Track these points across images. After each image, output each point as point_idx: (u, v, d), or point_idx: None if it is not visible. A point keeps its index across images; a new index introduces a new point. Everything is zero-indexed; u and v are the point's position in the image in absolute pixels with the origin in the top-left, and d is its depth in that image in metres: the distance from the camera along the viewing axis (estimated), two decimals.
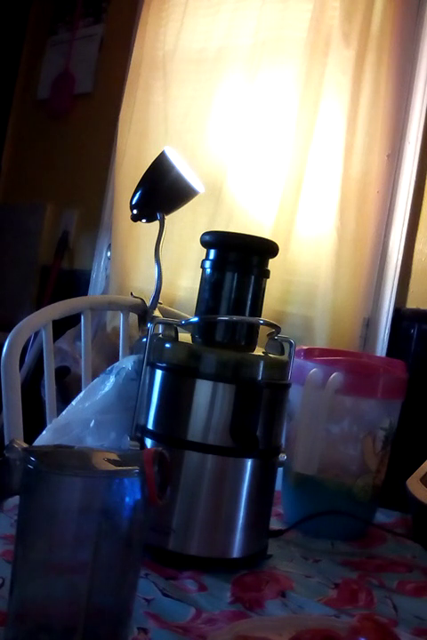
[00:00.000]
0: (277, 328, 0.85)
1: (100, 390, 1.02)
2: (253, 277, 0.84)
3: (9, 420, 1.21)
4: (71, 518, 0.56)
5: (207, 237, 0.86)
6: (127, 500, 0.56)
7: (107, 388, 1.01)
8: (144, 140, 2.15)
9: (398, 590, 0.81)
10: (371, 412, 0.99)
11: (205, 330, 0.84)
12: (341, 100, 1.72)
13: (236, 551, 0.80)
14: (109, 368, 1.05)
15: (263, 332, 0.86)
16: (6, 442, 0.69)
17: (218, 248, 0.85)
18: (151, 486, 0.56)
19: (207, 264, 0.85)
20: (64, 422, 1.01)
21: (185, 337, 0.83)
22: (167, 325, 0.82)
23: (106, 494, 0.57)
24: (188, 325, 0.85)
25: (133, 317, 1.50)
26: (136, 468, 0.56)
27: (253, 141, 1.88)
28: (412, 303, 1.69)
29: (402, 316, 1.69)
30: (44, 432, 1.04)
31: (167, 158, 1.30)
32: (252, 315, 0.84)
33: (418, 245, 1.69)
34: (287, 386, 0.85)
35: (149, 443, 0.81)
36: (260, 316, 0.85)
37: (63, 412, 1.04)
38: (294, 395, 0.90)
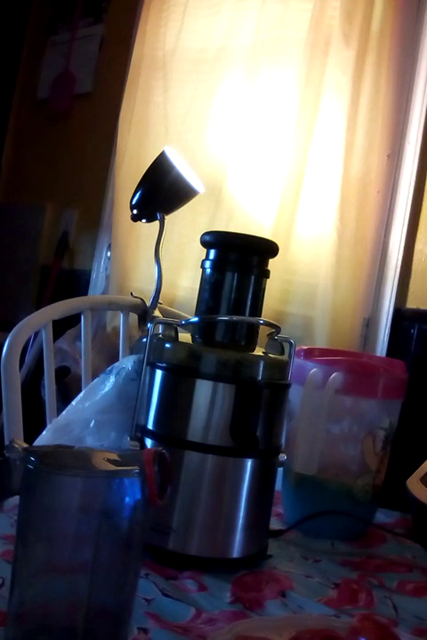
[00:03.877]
0: (277, 328, 0.85)
1: (100, 390, 1.02)
2: (253, 277, 0.84)
3: (9, 419, 1.21)
4: (71, 518, 0.56)
5: (207, 237, 0.86)
6: (127, 500, 0.56)
7: (107, 388, 1.01)
8: (144, 140, 2.15)
9: (398, 590, 0.81)
10: (371, 412, 0.99)
11: (205, 330, 0.84)
12: (341, 100, 1.72)
13: (236, 551, 0.80)
14: (109, 368, 1.05)
15: (263, 332, 0.86)
16: (6, 442, 0.69)
17: (218, 248, 0.85)
18: (151, 486, 0.56)
19: (207, 264, 0.85)
20: (64, 422, 1.01)
21: (185, 337, 0.83)
22: (167, 325, 0.82)
23: (106, 494, 0.57)
24: (188, 325, 0.85)
25: (133, 317, 1.49)
26: (136, 468, 0.56)
27: (253, 141, 1.88)
28: (412, 303, 1.69)
29: (402, 316, 1.69)
30: (44, 432, 1.04)
31: (167, 158, 1.30)
32: (252, 315, 0.84)
33: (418, 245, 1.69)
34: (287, 386, 0.85)
35: (149, 443, 0.81)
36: (260, 316, 0.85)
37: (63, 412, 1.04)
38: (294, 395, 0.90)
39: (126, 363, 1.02)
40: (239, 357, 0.81)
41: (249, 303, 0.84)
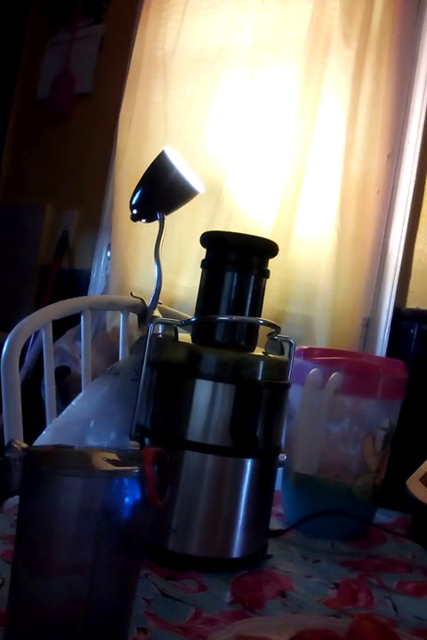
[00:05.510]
0: (277, 328, 0.85)
1: (100, 390, 1.02)
2: (253, 277, 0.84)
3: (9, 419, 1.21)
4: (71, 518, 0.56)
5: (207, 237, 0.86)
6: (127, 500, 0.56)
7: (107, 388, 1.01)
8: (144, 140, 2.15)
9: (398, 590, 0.81)
10: (371, 411, 0.99)
11: (205, 330, 0.84)
12: (341, 99, 1.72)
13: (236, 551, 0.80)
14: (109, 368, 1.05)
15: (263, 331, 0.86)
16: (6, 442, 0.69)
17: (218, 248, 0.85)
18: (151, 486, 0.56)
19: (207, 264, 0.85)
20: (64, 422, 1.02)
21: (185, 337, 0.83)
22: (167, 325, 0.82)
23: (106, 494, 0.57)
24: (188, 325, 0.85)
25: (133, 317, 1.49)
26: (136, 468, 0.56)
27: (253, 141, 1.88)
28: (412, 303, 1.69)
29: (402, 316, 1.69)
30: (44, 432, 1.04)
31: (167, 158, 1.30)
32: (252, 315, 0.84)
33: (418, 245, 1.69)
34: (287, 386, 0.85)
35: (148, 443, 0.81)
36: (260, 316, 0.85)
37: (63, 412, 1.04)
38: (294, 395, 0.90)
39: (126, 363, 1.02)
40: (239, 357, 0.81)
41: (249, 303, 0.84)
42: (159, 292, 1.28)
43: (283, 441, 0.87)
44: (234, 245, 0.85)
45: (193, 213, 1.89)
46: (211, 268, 0.85)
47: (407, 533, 1.00)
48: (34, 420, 1.32)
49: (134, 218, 1.31)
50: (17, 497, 0.57)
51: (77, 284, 2.55)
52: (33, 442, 1.01)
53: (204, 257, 0.86)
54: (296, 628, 0.62)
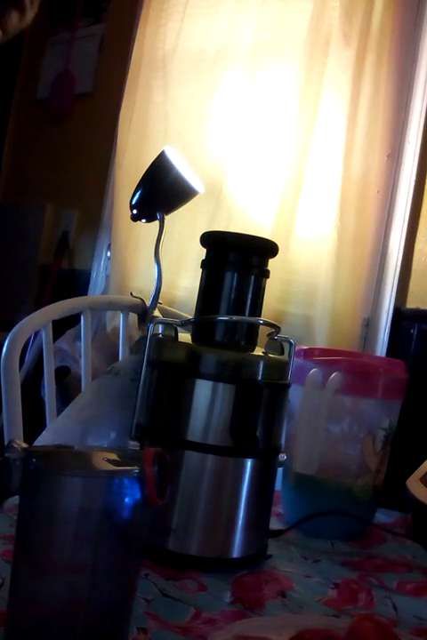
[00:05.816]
0: (277, 328, 0.85)
1: (100, 390, 1.02)
2: (253, 277, 0.84)
3: (9, 419, 1.21)
4: (71, 518, 0.56)
5: (207, 237, 0.86)
6: (127, 500, 0.56)
7: (107, 388, 1.01)
8: (144, 140, 2.15)
9: (398, 590, 0.81)
10: (371, 411, 0.99)
11: (205, 330, 0.84)
12: (341, 99, 1.72)
13: (236, 551, 0.80)
14: (109, 368, 1.05)
15: (263, 331, 0.86)
16: (6, 442, 0.69)
17: (218, 248, 0.85)
18: (151, 486, 0.56)
19: (207, 264, 0.85)
20: (64, 422, 1.01)
21: (185, 337, 0.83)
22: (167, 325, 0.82)
23: (106, 494, 0.57)
24: (188, 325, 0.85)
25: (133, 317, 1.49)
26: (136, 468, 0.56)
27: (253, 141, 1.88)
28: (412, 303, 1.69)
29: (402, 316, 1.69)
30: (44, 432, 1.04)
31: (167, 158, 1.30)
32: (252, 315, 0.84)
33: (418, 245, 1.69)
34: (287, 386, 0.85)
35: (148, 443, 0.81)
36: (260, 316, 0.85)
37: (63, 412, 1.04)
38: (294, 395, 0.90)
39: (126, 363, 1.02)
40: (239, 357, 0.81)
41: (249, 303, 0.84)
42: (159, 292, 1.28)
43: (283, 441, 0.87)
44: (234, 245, 0.85)
45: (193, 213, 1.89)
46: (211, 268, 0.85)
47: (407, 533, 1.00)
48: (34, 420, 1.32)
49: (134, 218, 1.31)
50: (17, 497, 0.57)
51: (77, 283, 2.55)
52: (33, 442, 1.01)
53: (204, 257, 0.86)
54: (296, 628, 0.62)
